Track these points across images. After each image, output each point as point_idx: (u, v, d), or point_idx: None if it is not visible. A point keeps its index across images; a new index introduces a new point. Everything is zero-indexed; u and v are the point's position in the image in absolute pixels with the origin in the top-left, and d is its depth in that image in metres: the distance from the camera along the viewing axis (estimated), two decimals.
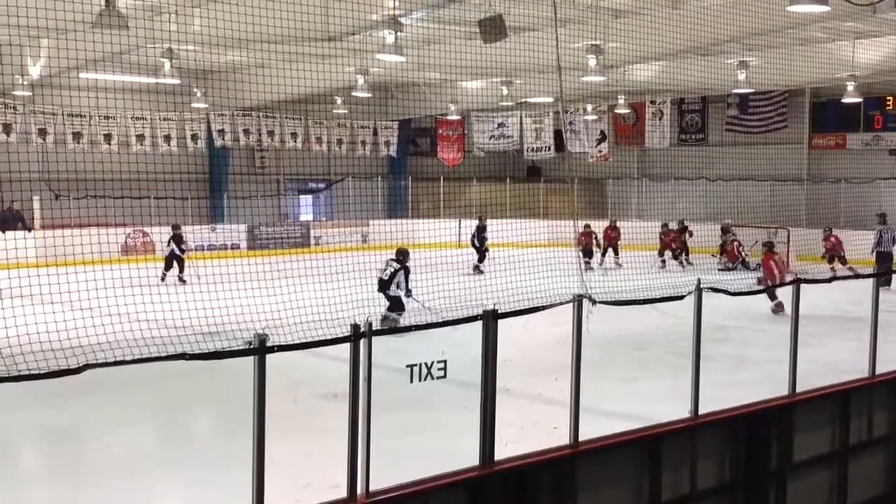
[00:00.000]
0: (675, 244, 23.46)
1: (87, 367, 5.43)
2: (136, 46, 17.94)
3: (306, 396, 9.78)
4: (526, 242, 16.89)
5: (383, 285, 14.75)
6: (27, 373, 5.46)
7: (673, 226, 23.81)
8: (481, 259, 22.18)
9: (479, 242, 22.66)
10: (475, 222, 23.53)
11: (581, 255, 21.70)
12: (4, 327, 8.50)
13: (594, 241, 23.33)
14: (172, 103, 24.36)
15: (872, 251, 19.76)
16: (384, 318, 14.29)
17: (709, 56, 20.01)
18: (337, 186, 28.77)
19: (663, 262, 22.78)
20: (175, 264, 19.99)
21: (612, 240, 23.93)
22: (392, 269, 14.72)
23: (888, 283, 17.02)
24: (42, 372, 5.40)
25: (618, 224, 24.35)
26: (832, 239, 21.03)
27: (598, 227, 23.96)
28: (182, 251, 20.12)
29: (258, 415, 6.14)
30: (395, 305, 14.60)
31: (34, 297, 10.36)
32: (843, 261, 20.46)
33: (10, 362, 5.77)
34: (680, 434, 8.33)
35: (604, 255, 23.46)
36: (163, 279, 19.14)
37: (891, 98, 26.25)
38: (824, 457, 9.60)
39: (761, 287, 9.94)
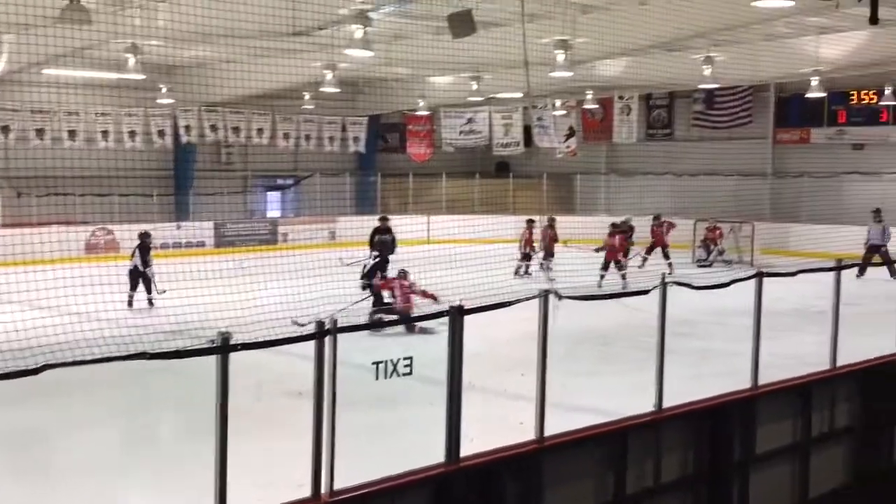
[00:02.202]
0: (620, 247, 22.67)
1: (45, 367, 5.36)
2: (101, 41, 17.76)
3: (271, 395, 9.72)
4: (494, 238, 16.94)
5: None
6: None
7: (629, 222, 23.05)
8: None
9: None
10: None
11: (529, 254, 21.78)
12: None
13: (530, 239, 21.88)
14: (138, 99, 24.14)
15: (865, 244, 20.19)
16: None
17: (675, 52, 20.11)
18: (305, 183, 28.63)
19: (644, 259, 21.72)
20: (140, 283, 16.78)
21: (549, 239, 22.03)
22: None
23: (863, 271, 17.46)
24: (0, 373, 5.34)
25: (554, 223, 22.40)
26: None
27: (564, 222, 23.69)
28: (146, 265, 16.77)
29: (221, 414, 6.11)
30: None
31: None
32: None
33: None
34: (644, 428, 8.40)
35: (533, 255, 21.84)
36: (129, 304, 16.19)
37: (854, 93, 26.53)
38: (787, 449, 9.72)
39: (726, 281, 9.99)
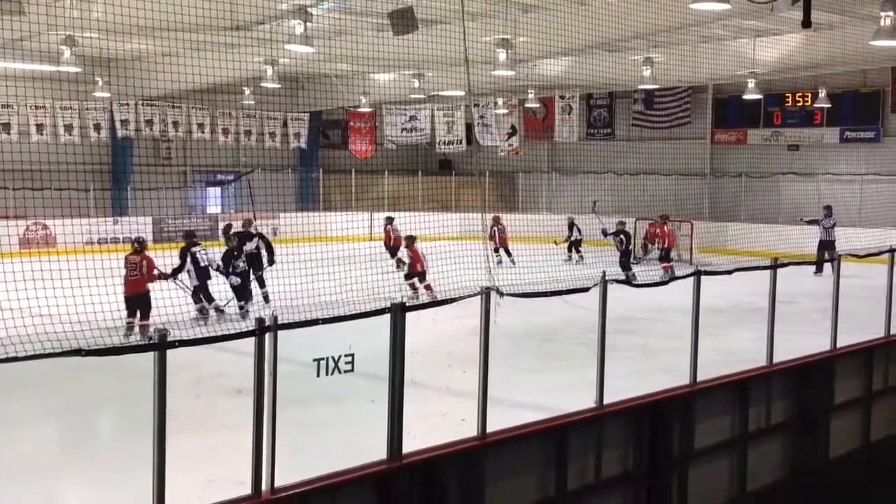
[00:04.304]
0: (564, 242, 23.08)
1: None
2: (35, 33, 17.32)
3: (210, 392, 9.60)
4: (436, 235, 16.92)
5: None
6: None
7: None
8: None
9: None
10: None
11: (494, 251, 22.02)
12: None
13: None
14: (74, 92, 23.60)
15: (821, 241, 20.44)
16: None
17: (615, 52, 20.31)
18: (245, 178, 28.29)
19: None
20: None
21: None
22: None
23: (820, 269, 17.76)
24: None
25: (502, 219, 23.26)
26: (665, 228, 21.45)
27: (507, 220, 23.89)
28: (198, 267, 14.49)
29: (159, 412, 6.01)
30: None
31: None
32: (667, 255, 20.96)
33: None
34: (585, 424, 8.46)
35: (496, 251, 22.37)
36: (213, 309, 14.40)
37: (790, 95, 27.10)
38: (724, 444, 9.87)
39: (667, 278, 10.14)
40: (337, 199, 30.14)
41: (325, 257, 16.14)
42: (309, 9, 16.34)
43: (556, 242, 22.53)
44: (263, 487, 6.44)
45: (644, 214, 23.94)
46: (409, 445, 7.31)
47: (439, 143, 30.34)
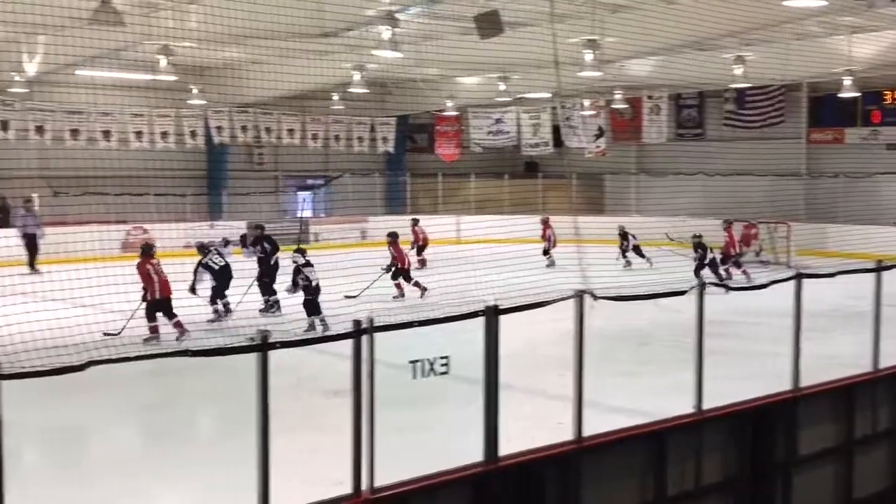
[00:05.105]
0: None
1: (90, 363, 5.38)
2: (133, 43, 17.90)
3: (309, 393, 9.75)
4: (524, 238, 16.90)
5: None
6: (31, 370, 5.40)
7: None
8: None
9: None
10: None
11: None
12: (7, 325, 8.45)
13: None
14: (170, 100, 24.28)
15: None
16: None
17: (706, 51, 19.98)
18: (335, 183, 28.71)
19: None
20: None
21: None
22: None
23: None
24: (46, 369, 5.36)
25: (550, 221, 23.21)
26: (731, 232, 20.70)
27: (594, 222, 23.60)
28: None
29: (262, 412, 6.11)
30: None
31: (36, 294, 10.32)
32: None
33: (15, 359, 5.71)
34: (685, 429, 8.32)
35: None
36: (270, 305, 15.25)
37: (888, 92, 26.21)
38: (829, 451, 9.59)
39: (763, 283, 9.90)
40: (423, 203, 30.33)
41: (414, 260, 16.27)
42: (396, 14, 16.51)
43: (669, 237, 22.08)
44: (363, 487, 6.50)
45: (738, 216, 23.40)
46: (505, 448, 7.29)
47: (525, 146, 30.25)
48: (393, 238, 17.71)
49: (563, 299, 8.01)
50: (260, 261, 15.49)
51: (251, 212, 25.35)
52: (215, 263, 14.78)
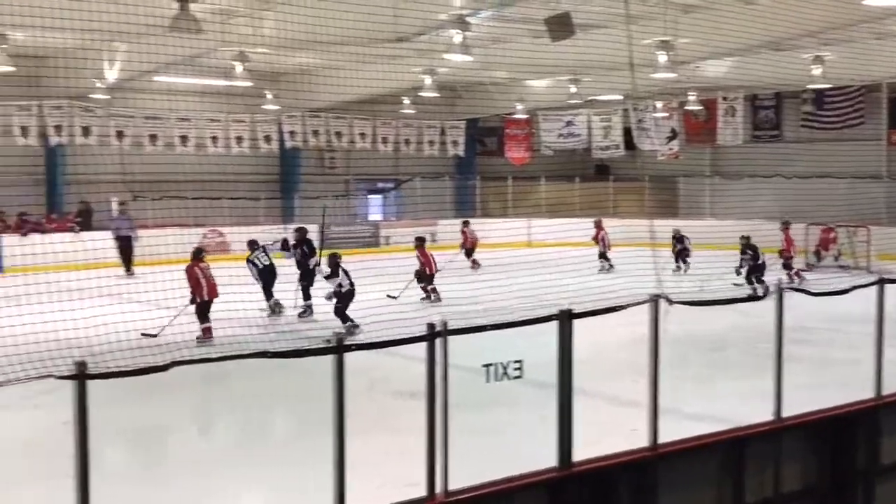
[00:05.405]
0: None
1: (174, 364, 5.51)
2: (210, 49, 18.27)
3: (382, 395, 9.81)
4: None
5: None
6: (116, 370, 5.55)
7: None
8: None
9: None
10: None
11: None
12: (94, 325, 8.70)
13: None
14: (245, 105, 24.74)
15: None
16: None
17: (783, 51, 19.59)
18: (405, 186, 28.90)
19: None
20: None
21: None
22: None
23: None
24: (130, 369, 5.50)
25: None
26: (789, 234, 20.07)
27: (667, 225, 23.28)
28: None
29: (337, 413, 6.17)
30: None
31: (120, 295, 10.61)
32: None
33: (101, 360, 5.88)
34: (764, 437, 8.16)
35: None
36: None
37: None
38: None
39: (846, 287, 9.65)
40: (493, 206, 30.32)
41: (485, 264, 16.30)
42: (467, 18, 16.55)
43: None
44: (437, 490, 6.52)
45: (816, 220, 22.88)
46: (579, 454, 7.24)
47: (596, 149, 30.05)
48: (419, 243, 17.89)
49: (638, 304, 7.93)
50: (298, 264, 15.68)
51: (323, 215, 25.63)
52: (260, 262, 15.31)
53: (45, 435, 8.02)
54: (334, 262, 14.03)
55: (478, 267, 21.67)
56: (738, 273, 18.15)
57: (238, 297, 12.98)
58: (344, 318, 13.62)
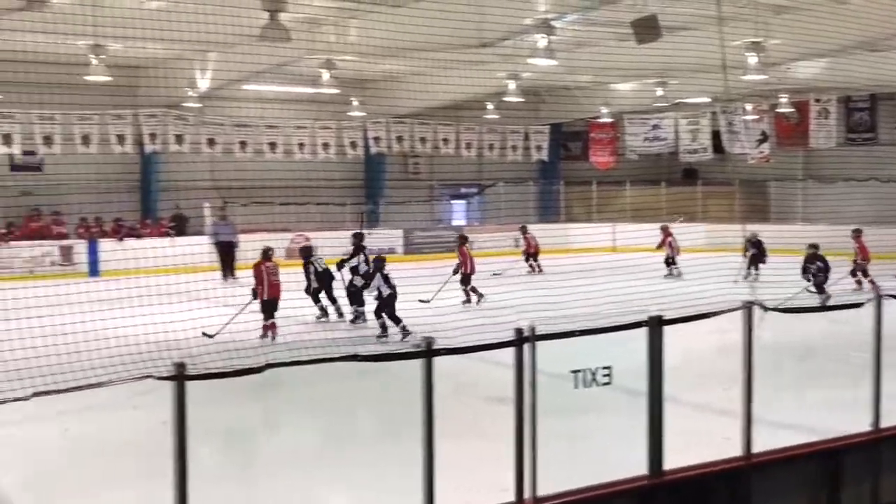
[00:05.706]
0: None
1: (268, 366, 5.62)
2: (298, 58, 18.61)
3: (470, 400, 9.83)
4: (687, 248, 16.49)
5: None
6: (214, 371, 5.69)
7: None
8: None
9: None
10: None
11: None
12: (192, 328, 8.92)
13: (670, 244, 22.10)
14: (331, 112, 25.09)
15: None
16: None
17: (878, 51, 19.01)
18: (488, 191, 28.93)
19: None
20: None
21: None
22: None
23: None
24: (227, 371, 5.63)
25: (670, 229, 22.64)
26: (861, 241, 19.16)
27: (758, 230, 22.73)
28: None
29: (427, 417, 6.20)
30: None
31: (213, 299, 10.89)
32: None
33: (199, 361, 6.04)
34: (862, 448, 7.93)
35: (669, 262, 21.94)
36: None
37: None
38: None
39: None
40: (578, 211, 30.11)
41: (570, 269, 16.11)
42: (552, 22, 16.50)
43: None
44: (526, 495, 6.50)
45: None
46: (670, 462, 7.14)
47: (683, 152, 29.59)
48: (461, 242, 17.79)
49: (731, 310, 7.79)
50: (352, 270, 15.74)
51: (407, 220, 25.88)
52: (317, 267, 15.58)
53: (144, 436, 8.25)
54: (377, 267, 14.10)
55: (540, 272, 21.55)
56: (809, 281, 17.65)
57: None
58: (389, 320, 13.70)
